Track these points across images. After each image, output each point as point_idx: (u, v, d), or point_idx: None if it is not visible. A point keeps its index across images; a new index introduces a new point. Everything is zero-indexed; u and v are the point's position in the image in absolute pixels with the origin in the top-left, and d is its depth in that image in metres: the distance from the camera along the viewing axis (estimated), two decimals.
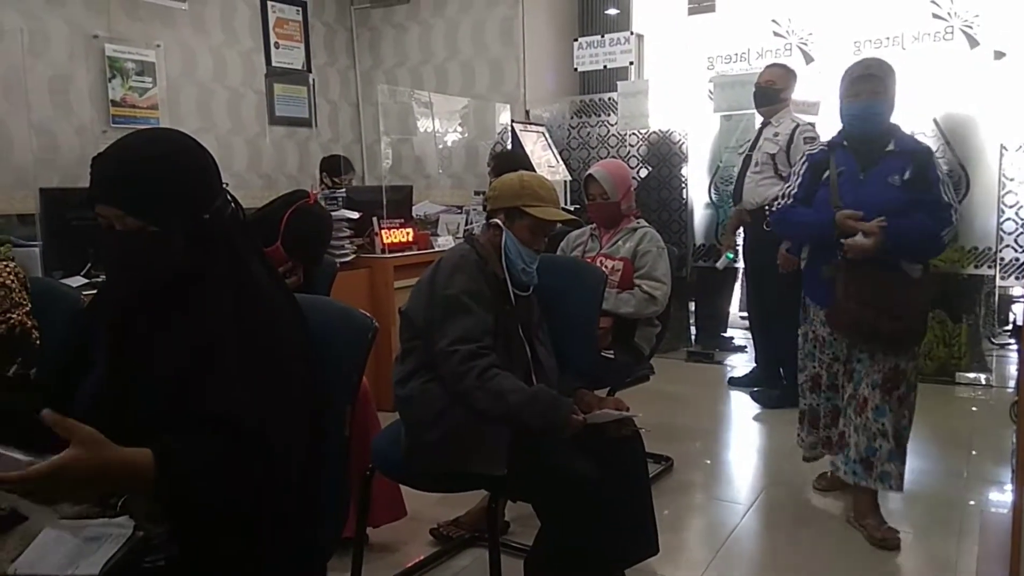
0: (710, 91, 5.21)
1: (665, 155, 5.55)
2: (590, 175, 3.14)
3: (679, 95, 5.44)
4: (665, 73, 5.63)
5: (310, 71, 5.85)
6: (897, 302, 2.47)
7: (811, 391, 2.84)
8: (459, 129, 5.97)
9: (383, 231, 4.24)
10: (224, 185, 1.38)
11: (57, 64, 4.21)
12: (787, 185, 2.78)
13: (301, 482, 1.29)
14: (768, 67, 4.26)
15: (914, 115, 4.03)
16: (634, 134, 5.65)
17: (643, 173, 5.59)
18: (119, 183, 1.25)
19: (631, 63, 5.71)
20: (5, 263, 1.86)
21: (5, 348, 1.76)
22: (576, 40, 5.85)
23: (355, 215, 4.18)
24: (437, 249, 4.54)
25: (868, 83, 2.52)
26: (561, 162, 5.72)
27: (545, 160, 5.53)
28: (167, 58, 4.78)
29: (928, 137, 4.32)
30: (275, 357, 1.29)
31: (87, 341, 1.43)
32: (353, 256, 4.12)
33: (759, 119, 4.34)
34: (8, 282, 1.82)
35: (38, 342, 1.82)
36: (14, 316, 1.79)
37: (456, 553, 2.56)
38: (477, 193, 5.44)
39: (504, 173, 3.91)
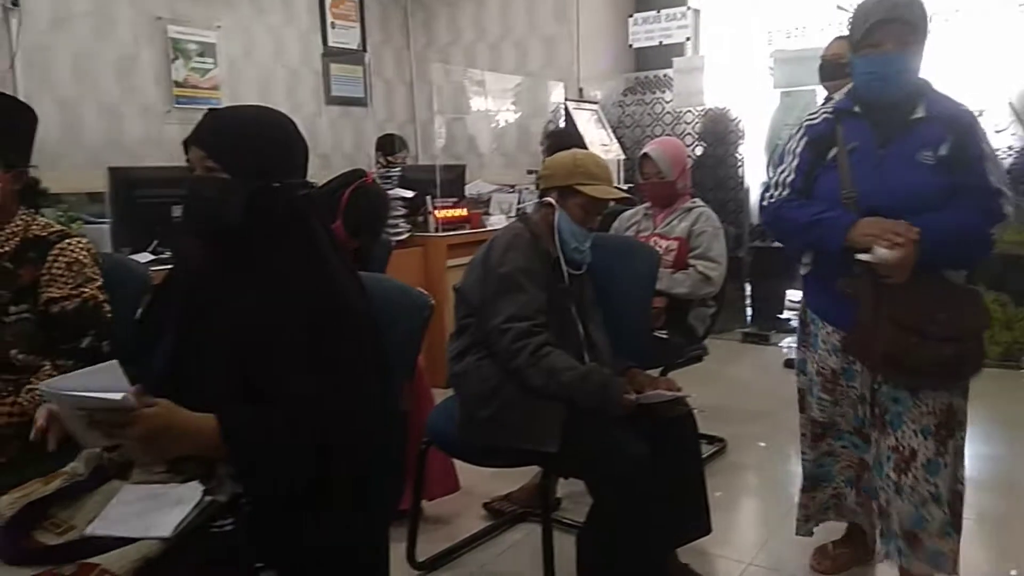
0: (770, 67, 5.09)
1: (721, 133, 5.45)
2: (645, 154, 3.12)
3: (736, 71, 5.32)
4: (722, 49, 5.52)
5: (365, 50, 5.89)
6: (949, 321, 1.80)
7: (813, 443, 2.18)
8: (512, 108, 5.96)
9: (437, 210, 4.28)
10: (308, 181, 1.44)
11: (123, 46, 4.33)
12: (780, 169, 2.02)
13: (364, 456, 1.33)
14: (835, 40, 4.12)
15: (986, 95, 3.87)
16: (689, 111, 5.56)
17: (699, 151, 5.50)
18: (210, 129, 1.36)
19: (688, 39, 5.61)
20: (78, 239, 1.93)
21: (78, 322, 1.84)
22: (631, 16, 5.76)
23: (409, 194, 4.23)
24: (489, 228, 4.56)
25: (893, 29, 1.81)
26: (615, 140, 5.67)
27: (598, 138, 5.49)
28: (227, 39, 4.87)
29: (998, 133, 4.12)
30: (341, 332, 1.33)
31: (158, 316, 1.49)
32: (407, 235, 4.17)
33: (820, 95, 4.22)
34: (81, 258, 1.89)
35: (109, 316, 1.90)
36: (87, 290, 1.87)
37: (508, 527, 2.60)
38: (530, 172, 5.43)
39: (557, 151, 3.91)
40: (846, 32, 2.05)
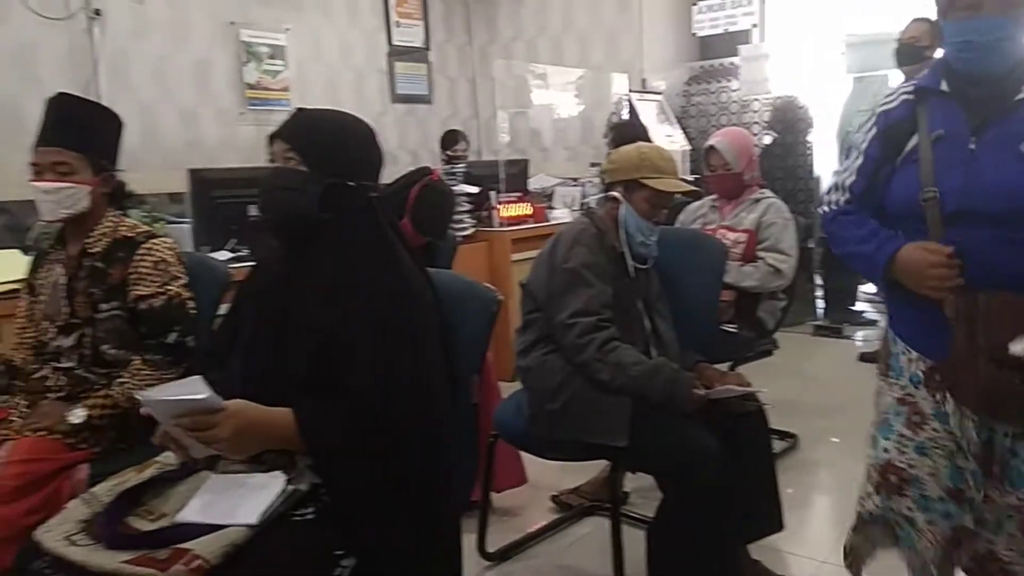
0: (841, 51, 4.94)
1: (790, 121, 5.33)
2: (711, 146, 3.08)
3: (805, 57, 5.19)
4: (789, 34, 5.39)
5: (429, 49, 5.96)
6: None
7: (886, 496, 1.53)
8: (575, 100, 5.95)
9: (501, 205, 4.31)
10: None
11: (198, 51, 4.49)
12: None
13: (436, 448, 1.36)
14: (912, 22, 3.98)
15: None
16: (756, 100, 5.45)
17: (767, 140, 5.39)
18: (296, 125, 1.45)
19: (754, 25, 5.49)
20: (163, 239, 2.03)
21: (165, 318, 1.93)
22: (695, 4, 5.68)
23: (474, 190, 4.28)
24: (553, 222, 4.56)
25: None
26: (679, 131, 5.60)
27: (663, 129, 5.44)
28: (296, 41, 5.00)
29: None
30: (411, 328, 1.37)
31: (239, 313, 1.56)
32: (472, 230, 4.21)
33: (894, 80, 4.09)
34: (166, 257, 1.98)
35: (193, 312, 1.99)
36: (172, 288, 1.96)
37: (576, 521, 2.62)
38: (593, 165, 5.42)
39: (621, 143, 3.88)
40: (923, 13, 1.82)
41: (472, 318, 1.58)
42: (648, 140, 3.96)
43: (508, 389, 2.57)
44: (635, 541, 2.03)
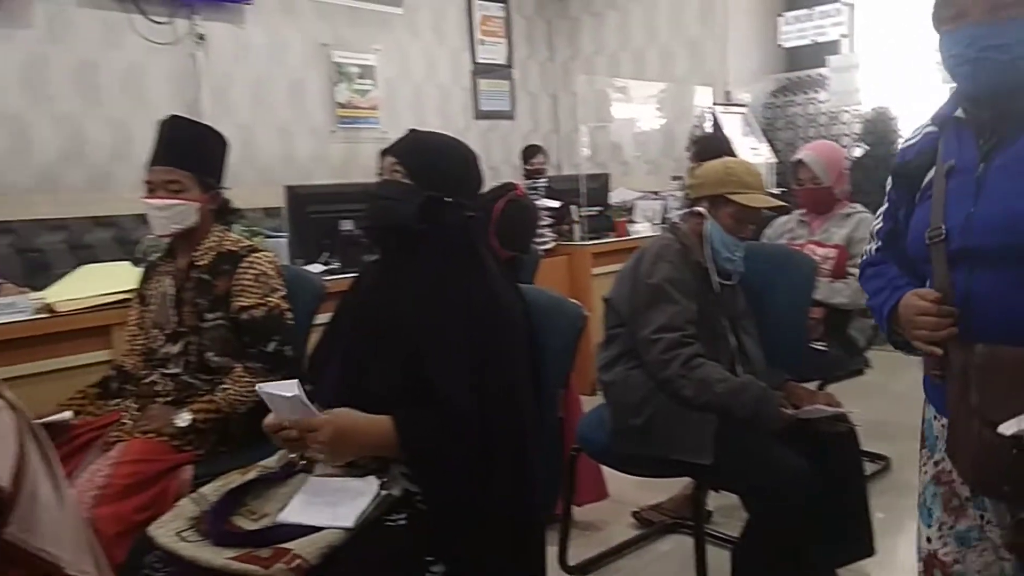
0: (936, 61, 4.76)
1: (882, 133, 5.17)
2: (799, 159, 3.02)
3: (897, 67, 5.03)
4: (881, 44, 5.23)
5: (511, 66, 6.05)
6: None
7: None
8: (656, 114, 5.92)
9: (581, 219, 4.33)
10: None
11: (293, 72, 4.69)
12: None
13: (526, 459, 1.39)
14: None
15: None
16: (846, 111, 5.31)
17: (857, 153, 5.24)
18: (406, 142, 1.56)
19: (843, 35, 5.35)
20: (264, 253, 2.13)
21: (265, 328, 2.02)
22: (781, 15, 5.58)
23: (555, 204, 4.31)
24: (634, 236, 4.55)
25: None
26: (765, 143, 5.51)
27: (748, 142, 5.35)
28: (385, 61, 5.16)
29: None
30: (500, 339, 1.41)
31: (337, 324, 1.63)
32: (553, 244, 4.24)
33: None
34: (267, 270, 2.08)
35: (291, 322, 2.08)
36: (272, 300, 2.05)
37: (658, 538, 2.60)
38: (674, 178, 5.37)
39: (704, 157, 3.86)
40: None
41: (558, 333, 1.60)
42: (732, 153, 3.92)
43: (588, 403, 2.58)
44: (718, 560, 2.01)
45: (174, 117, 2.17)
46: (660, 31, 5.92)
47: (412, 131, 1.60)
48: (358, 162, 4.88)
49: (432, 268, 1.48)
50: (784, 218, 3.12)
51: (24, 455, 0.79)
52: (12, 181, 3.62)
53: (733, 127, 5.33)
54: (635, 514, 2.69)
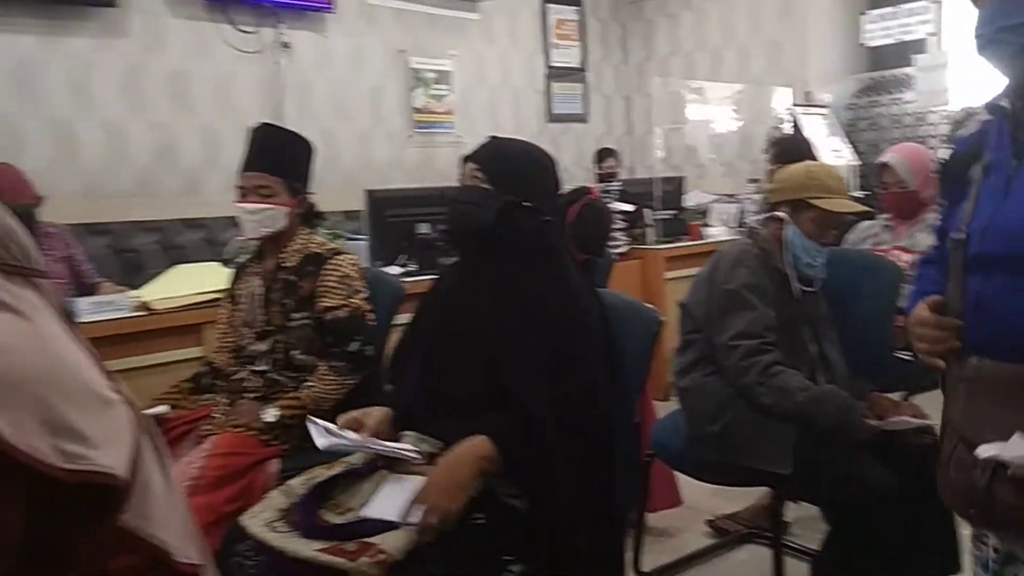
0: None
1: None
2: (884, 162, 2.93)
3: (986, 66, 4.81)
4: (969, 42, 5.01)
5: (585, 69, 6.04)
6: None
7: None
8: (733, 115, 5.83)
9: (655, 222, 4.30)
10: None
11: (372, 78, 4.81)
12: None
13: (608, 463, 1.41)
14: None
15: None
16: (933, 112, 5.11)
17: (944, 155, 5.03)
18: (487, 149, 1.60)
19: (930, 34, 5.16)
20: (347, 255, 2.19)
21: (347, 328, 2.09)
22: (864, 13, 5.41)
23: (628, 207, 4.29)
24: (709, 240, 4.49)
25: None
26: (847, 145, 5.35)
27: (829, 144, 5.21)
28: (461, 66, 5.23)
29: None
30: (578, 343, 1.43)
31: (417, 326, 1.67)
32: (626, 248, 4.22)
33: None
34: (350, 272, 2.14)
35: (373, 323, 2.14)
36: (354, 301, 2.11)
37: (733, 547, 2.56)
38: (751, 181, 5.28)
39: (783, 159, 3.79)
40: None
41: (634, 337, 1.60)
42: (812, 155, 3.84)
43: (661, 408, 2.57)
44: (796, 573, 1.97)
45: (265, 125, 2.25)
46: (737, 31, 5.82)
47: (493, 138, 1.64)
48: (433, 166, 4.96)
49: (510, 272, 1.51)
50: (867, 223, 3.03)
51: (139, 446, 0.84)
52: (111, 185, 3.83)
53: (814, 129, 5.19)
54: (710, 522, 2.66)
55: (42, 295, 0.82)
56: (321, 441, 1.46)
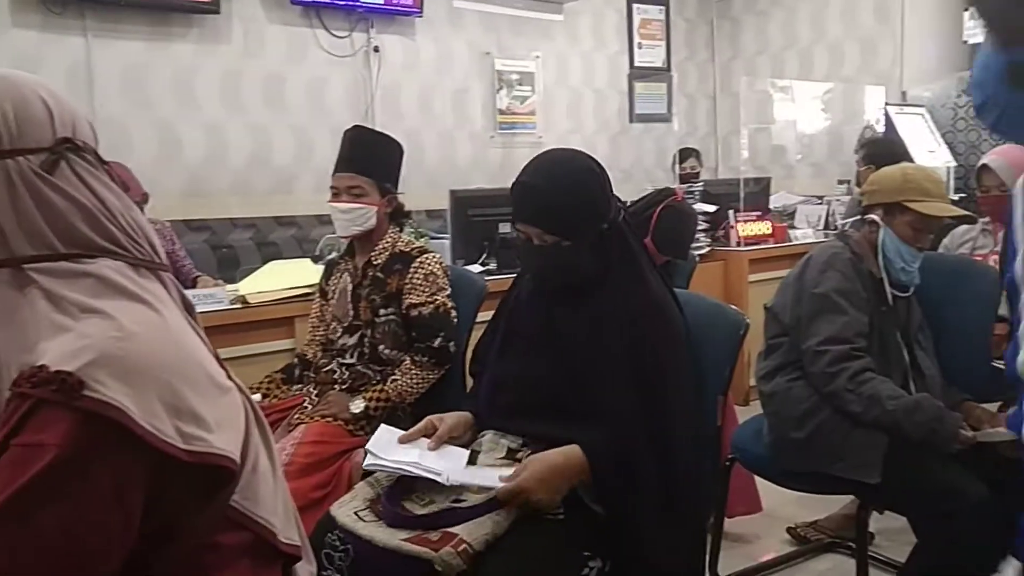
0: None
1: None
2: (984, 164, 2.81)
3: None
4: None
5: (669, 69, 5.98)
6: None
7: None
8: (822, 115, 5.67)
9: (739, 223, 4.23)
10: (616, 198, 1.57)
11: (457, 80, 4.89)
12: None
13: (685, 463, 1.41)
14: None
15: None
16: None
17: None
18: (537, 208, 1.51)
19: None
20: (433, 254, 2.26)
21: (432, 325, 2.15)
22: (967, 9, 5.17)
23: (711, 208, 4.23)
24: (795, 242, 4.39)
25: None
26: (944, 146, 5.12)
27: (924, 144, 5.00)
28: (544, 67, 5.26)
29: None
30: (661, 349, 1.44)
31: (498, 325, 1.71)
32: (707, 249, 4.17)
33: None
34: (435, 270, 2.21)
35: (455, 320, 2.19)
36: (439, 298, 2.18)
37: (814, 556, 2.51)
38: (841, 182, 5.12)
39: (876, 160, 3.67)
40: None
41: (719, 340, 1.60)
42: (907, 155, 3.70)
43: (742, 413, 2.54)
44: None
45: (357, 127, 2.34)
46: (830, 29, 5.65)
47: (521, 185, 1.52)
48: (514, 165, 4.99)
49: (589, 278, 1.52)
50: (965, 227, 2.91)
51: (248, 430, 0.90)
52: (210, 184, 4.02)
53: (909, 128, 5.00)
54: (790, 530, 2.61)
55: (166, 287, 0.90)
56: (369, 459, 1.50)
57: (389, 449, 1.52)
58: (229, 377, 0.93)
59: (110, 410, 0.73)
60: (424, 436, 1.56)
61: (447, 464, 1.50)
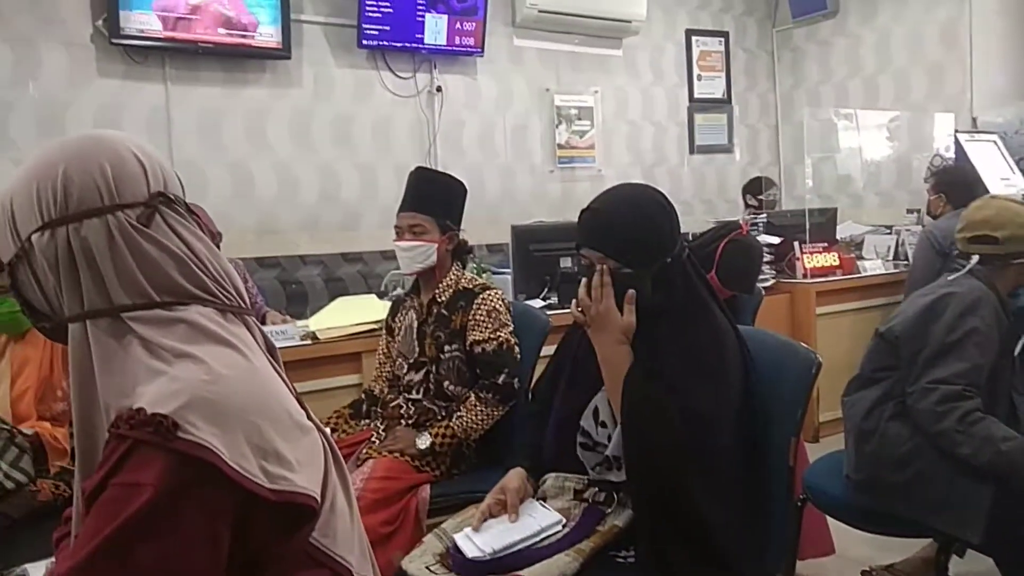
0: None
1: None
2: None
3: None
4: None
5: (730, 100, 5.96)
6: None
7: None
8: (889, 143, 5.55)
9: (805, 255, 4.15)
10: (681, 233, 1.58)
11: (517, 116, 4.96)
12: None
13: (745, 508, 1.39)
14: None
15: None
16: None
17: None
18: (602, 233, 1.53)
19: None
20: (495, 291, 2.29)
21: (496, 361, 2.17)
22: None
23: (776, 240, 4.17)
24: (865, 274, 4.28)
25: None
26: (1019, 173, 4.95)
27: (998, 172, 4.85)
28: (603, 101, 5.30)
29: None
30: (711, 381, 1.43)
31: (566, 362, 1.71)
32: (773, 281, 4.10)
33: None
34: (498, 306, 2.23)
35: (519, 356, 2.21)
36: (502, 335, 2.20)
37: None
38: (910, 211, 4.99)
39: (947, 188, 3.58)
40: None
41: (789, 378, 1.56)
42: (979, 183, 3.58)
43: (811, 450, 2.47)
44: None
45: (420, 169, 2.40)
46: (895, 56, 5.55)
47: (592, 213, 1.55)
48: (574, 199, 5.04)
49: (647, 309, 1.52)
50: None
51: (327, 470, 0.93)
52: (281, 221, 4.16)
53: (981, 156, 4.85)
54: (865, 573, 2.52)
55: (251, 331, 0.94)
56: (477, 553, 1.45)
57: (483, 540, 1.48)
58: (309, 417, 0.96)
59: (202, 451, 0.77)
60: (489, 515, 1.55)
61: (542, 520, 1.50)
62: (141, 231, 0.88)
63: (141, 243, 0.87)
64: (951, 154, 4.86)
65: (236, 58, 3.97)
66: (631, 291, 1.46)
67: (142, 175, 0.90)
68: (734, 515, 1.41)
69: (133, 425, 0.77)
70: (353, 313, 2.83)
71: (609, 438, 1.50)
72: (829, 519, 2.36)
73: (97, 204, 0.86)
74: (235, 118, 4.02)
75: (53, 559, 1.09)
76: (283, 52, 4.00)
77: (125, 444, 0.77)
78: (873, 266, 4.37)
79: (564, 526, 1.48)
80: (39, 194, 0.86)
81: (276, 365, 0.96)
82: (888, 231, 4.72)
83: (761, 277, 3.93)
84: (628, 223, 1.51)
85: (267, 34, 3.93)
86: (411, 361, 2.28)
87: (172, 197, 0.92)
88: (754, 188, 4.94)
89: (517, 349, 2.22)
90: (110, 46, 3.65)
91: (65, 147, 0.89)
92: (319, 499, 0.87)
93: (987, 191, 3.93)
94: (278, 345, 0.88)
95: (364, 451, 2.17)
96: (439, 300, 2.27)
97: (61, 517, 1.09)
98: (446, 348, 2.22)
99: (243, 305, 0.93)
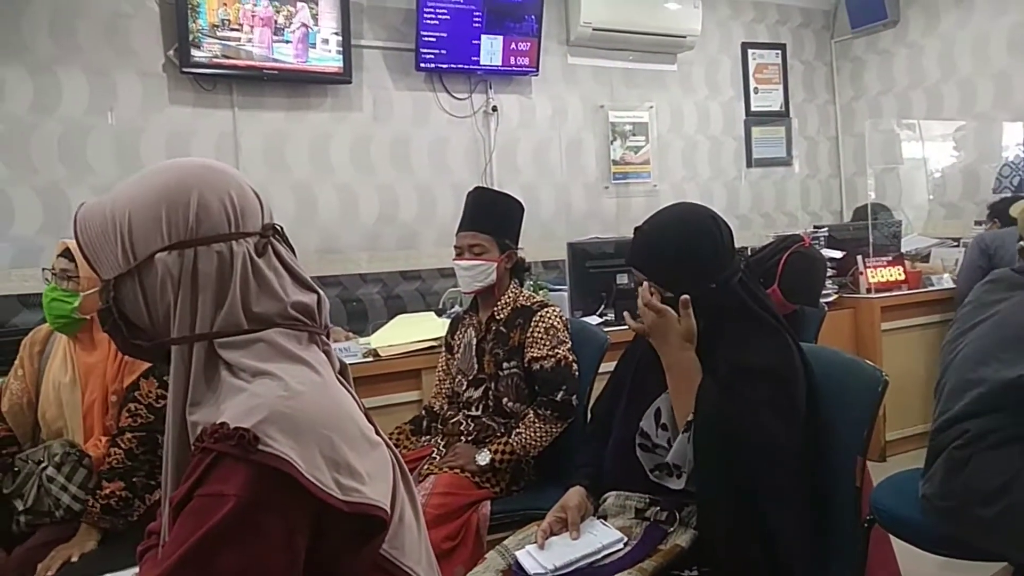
0: None
1: None
2: None
3: None
4: None
5: (788, 112, 5.88)
6: None
7: None
8: (954, 153, 5.40)
9: (868, 269, 4.06)
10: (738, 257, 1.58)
11: (571, 133, 4.99)
12: None
13: (812, 529, 1.37)
14: None
15: None
16: None
17: None
18: (644, 257, 1.57)
19: None
20: (553, 308, 2.31)
21: (554, 378, 2.18)
22: None
23: (838, 254, 4.09)
24: (932, 288, 4.17)
25: None
26: None
27: None
28: (658, 117, 5.29)
29: None
30: (769, 399, 1.41)
31: (626, 377, 1.72)
32: (836, 296, 4.02)
33: None
34: (555, 324, 2.25)
35: (577, 373, 2.22)
36: (560, 352, 2.21)
37: None
38: (978, 223, 4.83)
39: (1000, 214, 3.49)
40: None
41: (855, 397, 1.54)
42: None
43: (878, 470, 2.40)
44: None
45: (478, 189, 2.45)
46: (960, 65, 5.41)
47: (643, 236, 1.58)
48: (629, 215, 5.03)
49: (708, 333, 1.51)
50: None
51: (396, 483, 0.96)
52: (342, 241, 4.26)
53: None
54: None
55: (324, 350, 0.98)
56: (539, 570, 1.46)
57: (544, 557, 1.49)
58: (377, 432, 0.99)
59: (281, 463, 0.80)
60: (551, 533, 1.56)
61: (603, 537, 1.51)
62: (254, 260, 0.93)
63: (251, 272, 0.92)
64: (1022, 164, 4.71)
65: (299, 84, 4.09)
66: (685, 296, 1.46)
67: (259, 207, 0.96)
68: (801, 535, 1.39)
69: (217, 439, 0.81)
70: (413, 330, 2.88)
71: (669, 442, 1.49)
72: (892, 539, 2.30)
73: (225, 231, 0.91)
74: (299, 142, 4.15)
75: (136, 570, 1.15)
76: (344, 77, 4.11)
77: (209, 456, 0.82)
78: (939, 280, 4.24)
79: (625, 544, 1.48)
80: (168, 215, 0.90)
81: (346, 382, 1.00)
82: (955, 244, 4.59)
83: (824, 292, 3.87)
84: (668, 249, 1.53)
85: (329, 60, 4.05)
86: (470, 378, 2.31)
87: (279, 228, 0.97)
88: (860, 216, 4.81)
89: (576, 366, 2.23)
90: (181, 75, 3.81)
91: (191, 173, 0.93)
92: (389, 511, 0.90)
93: None
94: None
95: (425, 467, 2.21)
96: (497, 318, 2.30)
97: (145, 532, 1.15)
98: (505, 365, 2.24)
99: (317, 328, 0.98)
